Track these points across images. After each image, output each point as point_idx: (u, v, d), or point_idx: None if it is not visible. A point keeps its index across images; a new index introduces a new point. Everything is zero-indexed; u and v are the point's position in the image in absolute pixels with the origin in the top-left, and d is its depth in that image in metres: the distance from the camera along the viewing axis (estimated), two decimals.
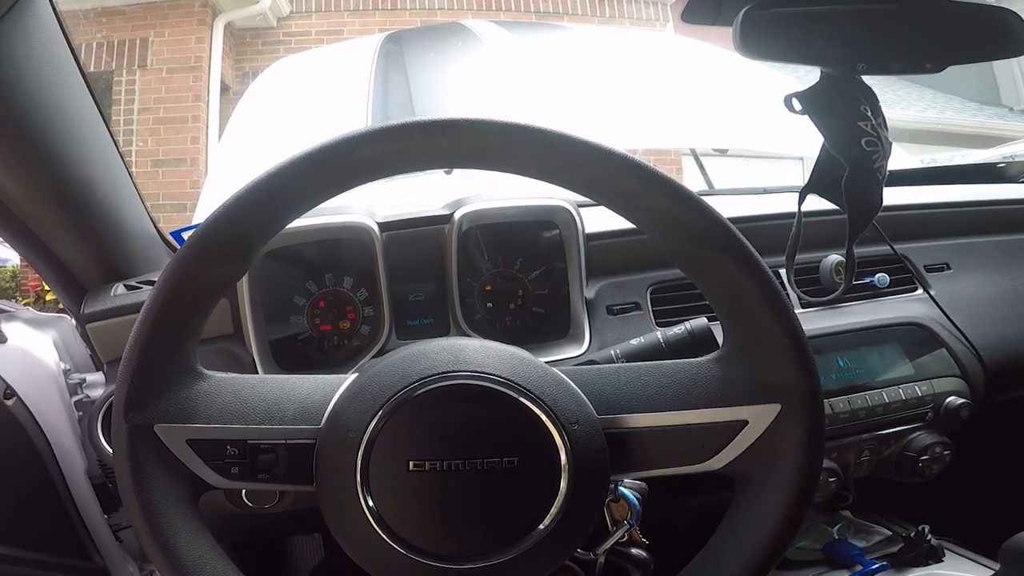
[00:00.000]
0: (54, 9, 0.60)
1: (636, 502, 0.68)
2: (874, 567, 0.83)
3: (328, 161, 0.42)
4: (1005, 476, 1.00)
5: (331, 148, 0.42)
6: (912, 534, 0.85)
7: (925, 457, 0.79)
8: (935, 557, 0.83)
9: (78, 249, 0.75)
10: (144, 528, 0.41)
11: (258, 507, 0.67)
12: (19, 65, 0.57)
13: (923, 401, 0.80)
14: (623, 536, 0.64)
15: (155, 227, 0.87)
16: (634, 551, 0.67)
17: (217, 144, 3.82)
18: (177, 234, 0.90)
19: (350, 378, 0.45)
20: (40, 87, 0.61)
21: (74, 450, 0.79)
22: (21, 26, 0.55)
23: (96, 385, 0.84)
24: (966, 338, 0.85)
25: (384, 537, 0.41)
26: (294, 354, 0.76)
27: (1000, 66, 8.32)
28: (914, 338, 0.83)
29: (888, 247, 0.89)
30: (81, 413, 0.82)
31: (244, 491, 0.65)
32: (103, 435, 0.68)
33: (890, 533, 0.90)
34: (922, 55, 0.62)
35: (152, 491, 0.42)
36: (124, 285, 0.77)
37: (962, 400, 0.80)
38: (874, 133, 0.63)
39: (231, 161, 1.62)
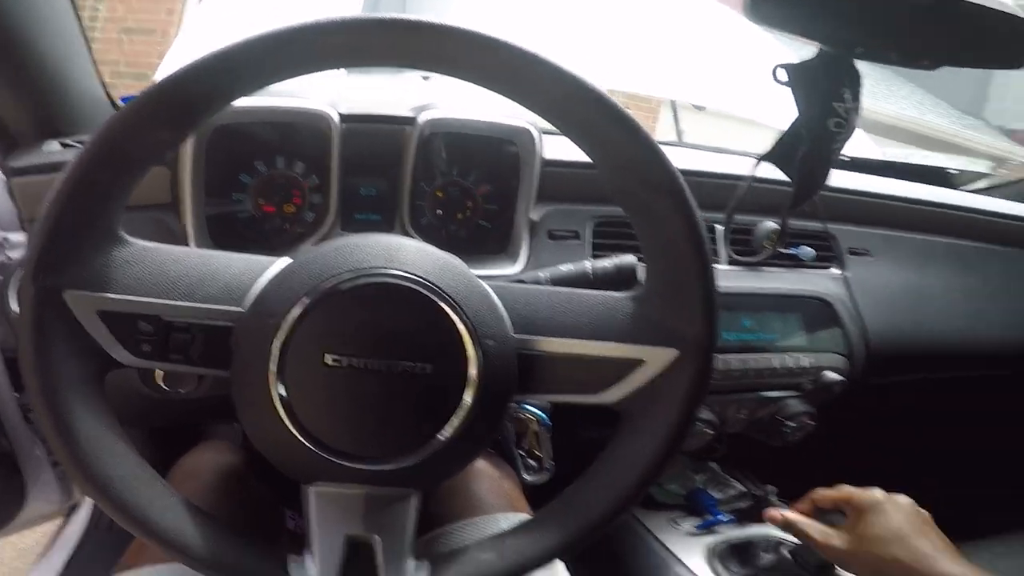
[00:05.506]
0: None
1: (545, 416, 0.71)
2: (720, 518, 0.88)
3: (295, 43, 0.39)
4: (855, 453, 1.08)
5: (302, 30, 0.39)
6: (760, 493, 0.91)
7: (792, 424, 0.84)
8: None
9: (13, 98, 0.71)
10: (40, 400, 0.39)
11: (174, 391, 0.63)
12: None
13: (806, 372, 0.84)
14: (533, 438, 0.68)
15: (105, 90, 0.82)
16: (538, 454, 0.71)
17: (195, 10, 3.58)
18: (128, 99, 0.86)
19: (282, 262, 0.43)
20: None
21: None
22: None
23: (19, 246, 0.79)
24: (863, 321, 0.89)
25: (291, 428, 0.40)
26: (232, 233, 0.75)
27: (997, 86, 8.29)
28: (817, 312, 0.87)
29: (820, 224, 0.92)
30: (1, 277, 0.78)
31: (162, 374, 0.62)
32: (15, 301, 0.64)
33: (744, 490, 0.95)
34: (922, 51, 0.62)
35: (53, 362, 0.39)
36: (59, 143, 0.73)
37: (838, 377, 0.84)
38: (845, 116, 0.65)
39: (205, 30, 1.53)
